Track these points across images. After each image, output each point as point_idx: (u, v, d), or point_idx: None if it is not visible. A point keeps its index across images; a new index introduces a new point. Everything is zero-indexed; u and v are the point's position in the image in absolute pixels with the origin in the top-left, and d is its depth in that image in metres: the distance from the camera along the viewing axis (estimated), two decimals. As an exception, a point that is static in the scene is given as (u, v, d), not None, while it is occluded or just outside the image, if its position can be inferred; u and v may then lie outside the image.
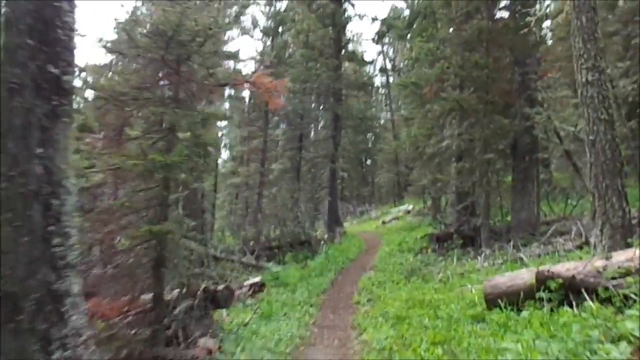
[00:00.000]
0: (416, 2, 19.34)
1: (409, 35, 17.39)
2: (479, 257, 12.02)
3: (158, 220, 7.30)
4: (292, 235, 20.12)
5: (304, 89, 25.38)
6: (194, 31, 6.59)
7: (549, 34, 18.22)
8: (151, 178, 6.75)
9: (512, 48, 13.53)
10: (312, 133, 34.01)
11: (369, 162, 49.61)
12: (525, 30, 14.16)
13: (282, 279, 13.64)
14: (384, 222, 30.73)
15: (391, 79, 48.34)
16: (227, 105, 33.50)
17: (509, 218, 15.23)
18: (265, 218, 23.41)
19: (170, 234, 6.65)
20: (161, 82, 7.85)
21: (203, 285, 8.80)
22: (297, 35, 24.63)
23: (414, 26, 16.20)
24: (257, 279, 12.68)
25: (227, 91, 31.90)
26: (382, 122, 47.78)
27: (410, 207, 32.78)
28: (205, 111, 6.74)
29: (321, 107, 27.51)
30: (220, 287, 9.07)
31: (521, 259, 11.10)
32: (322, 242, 20.57)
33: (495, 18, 13.78)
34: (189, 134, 7.35)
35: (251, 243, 20.51)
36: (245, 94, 30.34)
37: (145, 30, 6.87)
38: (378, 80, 49.58)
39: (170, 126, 7.37)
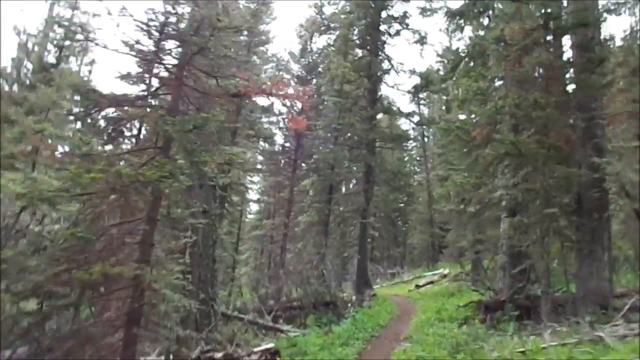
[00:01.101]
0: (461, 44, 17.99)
1: (453, 79, 15.86)
2: (543, 334, 9.68)
3: (137, 261, 5.58)
4: (316, 295, 18.02)
5: (335, 138, 24.03)
6: (195, 19, 5.10)
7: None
8: (127, 206, 5.07)
9: (576, 88, 11.78)
10: (343, 187, 32.38)
11: (400, 222, 47.25)
12: (590, 71, 12.51)
13: (300, 347, 11.51)
14: (417, 286, 28.14)
15: (426, 139, 46.77)
16: (259, 157, 32.48)
17: (571, 287, 12.86)
18: (288, 275, 21.39)
19: (146, 279, 4.87)
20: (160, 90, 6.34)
21: (195, 353, 6.89)
22: (332, 80, 23.57)
23: (459, 68, 14.68)
24: (270, 345, 10.61)
25: (261, 144, 30.96)
26: (415, 182, 45.87)
27: (447, 271, 30.17)
28: (199, 116, 5.19)
29: (354, 159, 25.98)
30: (219, 355, 7.14)
31: (601, 338, 8.80)
32: (349, 305, 18.35)
33: (556, 54, 12.15)
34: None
35: (270, 302, 18.49)
36: (279, 140, 29.25)
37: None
38: (412, 140, 47.95)
39: (164, 143, 5.79)
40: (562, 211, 11.90)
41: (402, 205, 42.14)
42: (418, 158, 49.82)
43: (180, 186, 5.24)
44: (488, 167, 11.93)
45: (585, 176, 11.66)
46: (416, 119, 30.48)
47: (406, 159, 46.19)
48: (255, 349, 10.28)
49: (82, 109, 6.01)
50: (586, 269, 12.19)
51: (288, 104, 6.33)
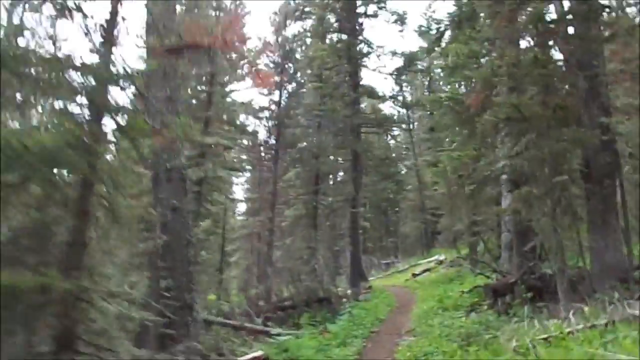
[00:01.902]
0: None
1: (439, 47, 14.68)
2: (567, 316, 8.54)
3: (67, 267, 4.28)
4: (308, 291, 16.79)
5: (318, 125, 22.75)
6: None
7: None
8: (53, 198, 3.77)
9: (575, 43, 10.66)
10: (331, 180, 31.18)
11: (391, 211, 46.29)
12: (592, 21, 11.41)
13: (292, 351, 10.26)
14: (414, 275, 27.11)
15: (412, 125, 45.54)
16: (243, 157, 31.04)
17: (584, 262, 11.77)
18: (278, 273, 20.11)
19: (63, 289, 3.57)
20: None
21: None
22: (310, 64, 22.25)
23: (446, 35, 13.50)
24: (258, 353, 9.37)
25: (245, 142, 29.45)
26: (404, 170, 44.87)
27: (443, 256, 29.17)
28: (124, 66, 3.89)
29: (339, 146, 24.75)
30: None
31: (635, 317, 7.71)
32: (344, 300, 17.17)
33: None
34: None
35: (260, 303, 17.24)
36: (262, 134, 27.84)
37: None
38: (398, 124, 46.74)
39: (93, 114, 4.47)
40: (572, 179, 10.82)
41: (391, 194, 41.19)
42: (405, 146, 48.84)
43: (116, 167, 3.97)
44: (487, 136, 10.76)
45: (595, 138, 10.56)
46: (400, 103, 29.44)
47: (392, 146, 45.17)
48: (241, 359, 9.03)
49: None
50: (600, 241, 11.07)
51: (237, 43, 5.17)
